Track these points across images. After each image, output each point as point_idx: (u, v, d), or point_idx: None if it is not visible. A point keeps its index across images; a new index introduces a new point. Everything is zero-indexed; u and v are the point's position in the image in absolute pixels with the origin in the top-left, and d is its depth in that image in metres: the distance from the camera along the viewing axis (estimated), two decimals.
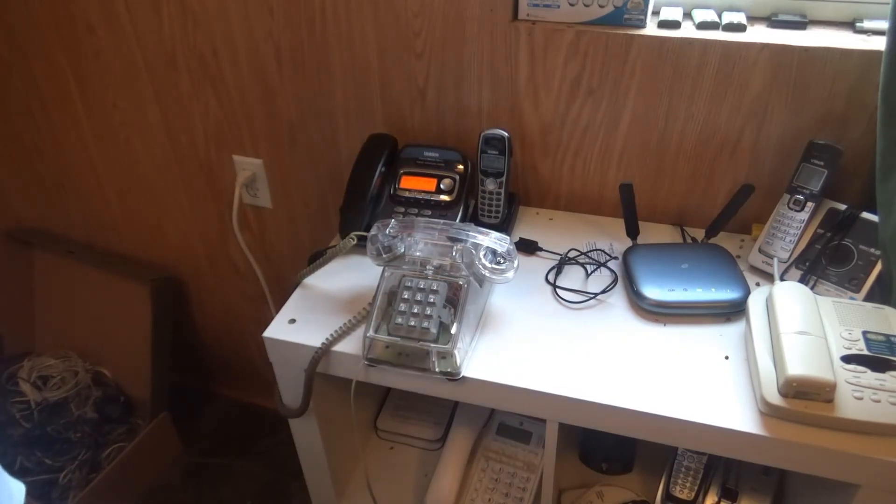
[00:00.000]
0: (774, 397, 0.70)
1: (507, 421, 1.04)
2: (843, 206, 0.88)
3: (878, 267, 0.83)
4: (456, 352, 0.76)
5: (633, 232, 0.96)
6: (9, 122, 1.39)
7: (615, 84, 0.94)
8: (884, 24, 0.80)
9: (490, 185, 0.97)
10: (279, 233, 1.33)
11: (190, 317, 1.59)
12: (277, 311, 0.89)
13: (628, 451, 1.05)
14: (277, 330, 0.85)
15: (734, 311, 0.85)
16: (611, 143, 1.00)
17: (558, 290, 0.90)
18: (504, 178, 0.97)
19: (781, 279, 0.87)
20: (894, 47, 0.74)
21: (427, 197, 0.99)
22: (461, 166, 1.00)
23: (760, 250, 0.92)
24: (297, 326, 0.86)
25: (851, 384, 0.69)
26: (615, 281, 0.91)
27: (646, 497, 0.99)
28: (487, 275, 0.81)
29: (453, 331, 0.77)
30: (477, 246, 0.81)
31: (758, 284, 0.89)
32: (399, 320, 0.79)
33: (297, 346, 0.83)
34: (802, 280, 0.87)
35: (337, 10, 1.01)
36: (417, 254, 0.83)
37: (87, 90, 1.27)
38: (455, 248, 0.82)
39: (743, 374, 0.77)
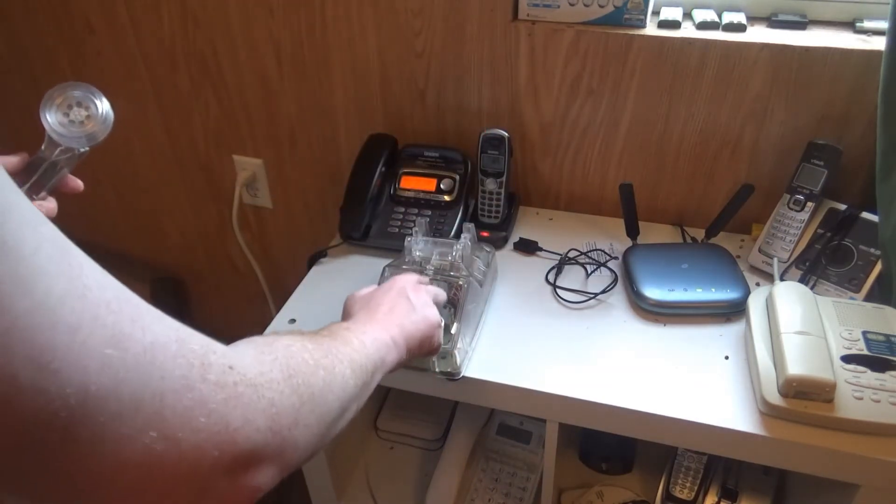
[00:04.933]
0: (774, 397, 0.70)
1: (507, 421, 1.04)
2: (843, 206, 0.88)
3: (878, 267, 0.83)
4: (456, 352, 0.76)
5: (633, 232, 0.96)
6: (9, 122, 1.38)
7: (615, 84, 0.94)
8: (884, 24, 0.79)
9: (490, 185, 0.97)
10: (279, 233, 1.33)
11: (190, 317, 1.59)
12: (277, 311, 0.89)
13: (628, 451, 1.05)
14: (277, 330, 0.85)
15: (734, 311, 0.85)
16: (611, 143, 1.00)
17: (558, 290, 0.90)
18: (504, 178, 0.97)
19: (781, 279, 0.87)
20: (894, 47, 0.74)
21: (427, 197, 0.99)
22: (461, 166, 1.00)
23: (760, 250, 0.92)
24: (297, 326, 0.86)
25: (851, 384, 0.69)
26: (615, 281, 0.91)
27: (646, 497, 0.99)
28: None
29: (453, 331, 0.77)
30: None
31: (758, 284, 0.89)
32: None
33: None
34: (802, 280, 0.87)
35: (337, 10, 1.01)
36: (417, 254, 0.83)
37: None
38: (455, 247, 0.81)
39: (743, 374, 0.77)
